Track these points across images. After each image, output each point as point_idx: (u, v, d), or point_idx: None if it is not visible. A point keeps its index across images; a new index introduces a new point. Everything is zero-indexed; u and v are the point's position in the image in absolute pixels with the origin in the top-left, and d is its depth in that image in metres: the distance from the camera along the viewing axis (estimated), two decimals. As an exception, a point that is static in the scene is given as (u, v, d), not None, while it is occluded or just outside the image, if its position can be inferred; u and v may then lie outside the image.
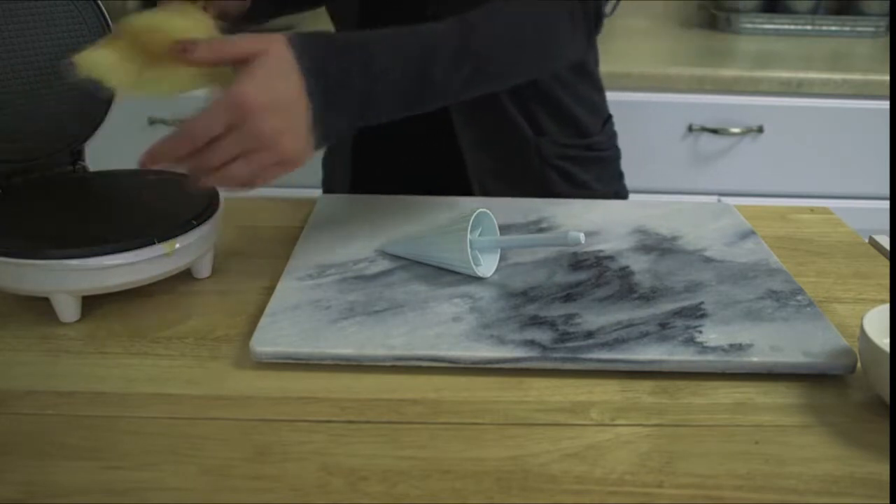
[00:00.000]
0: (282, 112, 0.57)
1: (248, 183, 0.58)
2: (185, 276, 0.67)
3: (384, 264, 0.68)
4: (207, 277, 0.68)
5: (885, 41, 1.76)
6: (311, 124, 0.59)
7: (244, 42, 0.57)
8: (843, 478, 0.46)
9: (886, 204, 1.51)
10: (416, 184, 0.91)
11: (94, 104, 0.73)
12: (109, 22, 0.73)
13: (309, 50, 0.59)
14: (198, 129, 0.56)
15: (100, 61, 0.58)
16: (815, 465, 0.47)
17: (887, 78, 1.43)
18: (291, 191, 0.90)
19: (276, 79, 0.57)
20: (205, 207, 0.66)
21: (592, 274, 0.67)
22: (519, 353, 0.55)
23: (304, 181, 0.94)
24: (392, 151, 0.94)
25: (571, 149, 0.93)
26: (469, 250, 0.64)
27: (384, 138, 0.85)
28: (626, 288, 0.65)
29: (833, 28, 1.81)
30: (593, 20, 0.79)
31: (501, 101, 0.86)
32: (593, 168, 0.96)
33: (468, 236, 0.64)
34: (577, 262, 0.69)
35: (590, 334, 0.58)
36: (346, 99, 0.61)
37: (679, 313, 0.61)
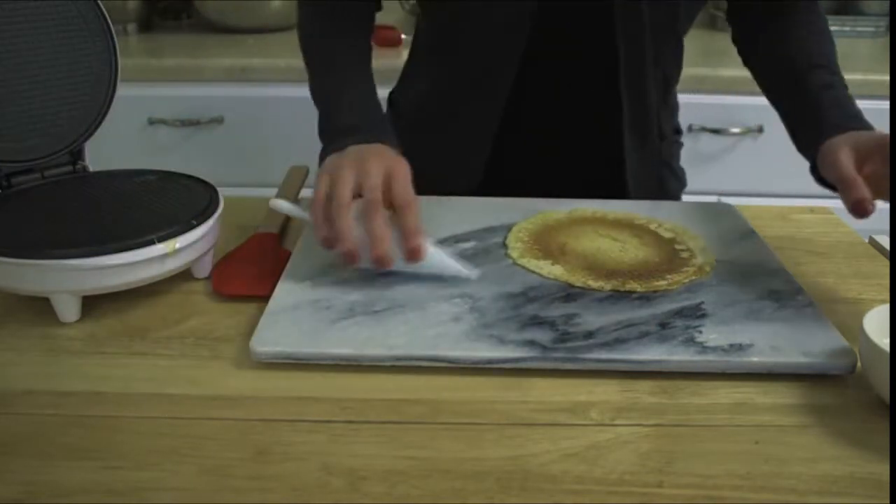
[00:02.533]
0: None
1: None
2: (185, 276, 0.67)
3: (384, 264, 0.68)
4: (207, 277, 0.68)
5: (885, 41, 1.76)
6: None
7: None
8: (843, 478, 0.46)
9: (886, 204, 1.51)
10: (563, 181, 0.90)
11: (94, 104, 0.73)
12: (109, 22, 0.73)
13: None
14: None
15: None
16: (815, 465, 0.47)
17: (887, 78, 1.43)
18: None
19: None
20: (205, 207, 0.66)
21: (592, 274, 0.67)
22: (519, 353, 0.55)
23: (308, 182, 0.94)
24: (543, 147, 0.92)
25: (674, 145, 0.99)
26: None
27: (538, 133, 0.89)
28: (626, 288, 0.65)
29: (833, 28, 1.78)
30: None
31: (652, 104, 0.88)
32: (677, 158, 1.01)
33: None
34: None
35: (590, 334, 0.58)
36: None
37: (679, 313, 0.61)
